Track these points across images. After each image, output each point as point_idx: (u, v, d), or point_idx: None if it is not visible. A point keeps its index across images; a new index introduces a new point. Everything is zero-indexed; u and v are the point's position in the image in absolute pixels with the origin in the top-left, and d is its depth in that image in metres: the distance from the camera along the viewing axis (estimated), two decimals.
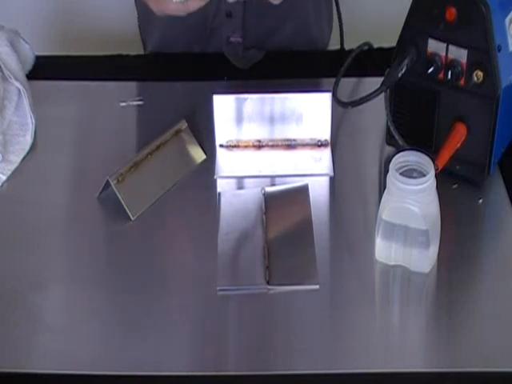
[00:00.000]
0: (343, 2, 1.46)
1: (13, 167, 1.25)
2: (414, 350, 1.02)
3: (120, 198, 1.15)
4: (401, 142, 1.19)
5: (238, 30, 1.42)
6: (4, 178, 1.23)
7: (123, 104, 1.35)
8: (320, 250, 1.11)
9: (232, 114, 1.25)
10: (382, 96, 1.17)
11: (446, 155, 1.15)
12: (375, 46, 1.41)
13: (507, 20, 1.12)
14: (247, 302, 1.06)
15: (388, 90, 1.17)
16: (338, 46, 1.46)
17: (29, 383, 0.99)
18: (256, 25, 1.43)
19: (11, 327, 1.04)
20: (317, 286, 1.07)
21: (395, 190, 1.03)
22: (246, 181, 1.23)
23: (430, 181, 1.03)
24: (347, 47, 1.42)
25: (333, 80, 1.30)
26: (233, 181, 1.23)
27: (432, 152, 1.12)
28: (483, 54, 1.10)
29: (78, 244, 1.14)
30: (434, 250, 1.07)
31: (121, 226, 1.16)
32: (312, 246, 1.11)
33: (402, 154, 1.06)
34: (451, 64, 1.13)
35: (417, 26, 1.14)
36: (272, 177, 1.23)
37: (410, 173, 1.04)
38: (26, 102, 1.30)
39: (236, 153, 1.26)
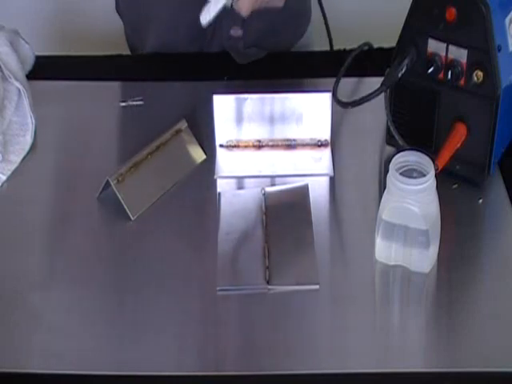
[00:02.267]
0: (343, 2, 1.46)
1: (13, 167, 1.25)
2: (414, 350, 1.02)
3: (120, 198, 1.15)
4: (401, 142, 1.19)
5: (238, 22, 1.41)
6: (4, 178, 1.23)
7: (123, 104, 1.35)
8: (320, 250, 1.11)
9: (232, 114, 1.25)
10: (382, 96, 1.17)
11: (445, 155, 1.15)
12: (375, 46, 1.41)
13: (507, 20, 1.12)
14: (247, 302, 1.06)
15: (388, 90, 1.17)
16: (337, 46, 1.46)
17: (29, 383, 0.99)
18: (256, 20, 1.43)
19: (11, 327, 1.04)
20: (317, 286, 1.07)
21: (395, 190, 1.03)
22: (246, 181, 1.23)
23: (430, 181, 1.03)
24: (347, 47, 1.42)
25: (333, 80, 1.30)
26: (233, 181, 1.23)
27: (432, 152, 1.12)
28: (483, 53, 1.10)
29: (78, 244, 1.14)
30: (434, 250, 1.07)
31: (121, 225, 1.16)
32: (312, 246, 1.11)
33: (401, 154, 1.06)
34: (451, 64, 1.13)
35: (417, 26, 1.14)
36: (272, 177, 1.23)
37: (410, 173, 1.04)
38: (26, 102, 1.30)
39: (236, 153, 1.26)
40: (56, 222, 1.17)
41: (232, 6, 1.21)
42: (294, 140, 1.27)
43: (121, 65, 1.47)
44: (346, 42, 1.44)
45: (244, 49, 1.44)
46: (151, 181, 1.20)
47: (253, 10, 1.23)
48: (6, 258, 1.12)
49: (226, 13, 1.22)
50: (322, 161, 1.25)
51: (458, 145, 1.16)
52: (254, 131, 1.26)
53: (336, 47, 1.48)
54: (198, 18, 1.22)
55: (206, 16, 1.20)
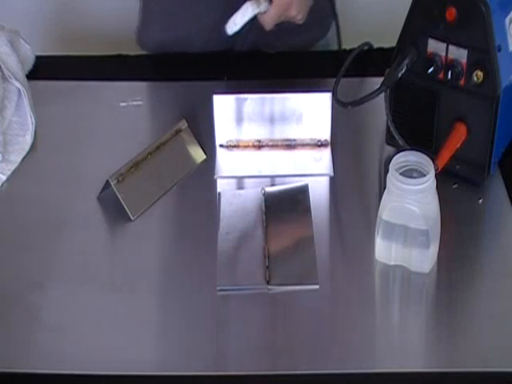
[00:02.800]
0: (343, 1, 1.46)
1: (13, 167, 1.25)
2: (414, 350, 1.02)
3: (120, 198, 1.15)
4: (401, 142, 1.19)
5: None
6: (4, 178, 1.23)
7: (123, 104, 1.35)
8: (320, 250, 1.11)
9: (232, 114, 1.25)
10: (382, 96, 1.17)
11: (445, 155, 1.15)
12: (375, 46, 1.41)
13: (507, 20, 1.12)
14: (247, 302, 1.06)
15: (388, 90, 1.17)
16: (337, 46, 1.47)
17: (28, 383, 0.99)
18: None
19: (11, 327, 1.04)
20: (317, 286, 1.07)
21: (395, 189, 1.03)
22: (246, 181, 1.23)
23: (429, 181, 1.03)
24: (347, 47, 1.42)
25: (333, 80, 1.30)
26: (233, 181, 1.23)
27: (432, 152, 1.12)
28: (483, 54, 1.10)
29: (77, 244, 1.14)
30: (434, 250, 1.07)
31: (121, 225, 1.16)
32: (312, 246, 1.11)
33: (401, 153, 1.06)
34: (451, 64, 1.13)
35: (417, 26, 1.14)
36: (272, 177, 1.23)
37: (410, 173, 1.05)
38: (26, 102, 1.30)
39: (236, 153, 1.26)
40: (56, 221, 1.17)
41: (257, 17, 1.28)
42: (294, 140, 1.27)
43: (121, 65, 1.47)
44: (345, 41, 1.44)
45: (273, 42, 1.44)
46: (151, 181, 1.20)
47: (276, 23, 1.30)
48: (6, 258, 1.12)
49: (252, 23, 1.27)
50: (321, 161, 1.25)
51: (458, 145, 1.16)
52: (253, 131, 1.26)
53: (335, 47, 1.48)
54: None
55: (232, 26, 1.26)
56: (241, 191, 1.21)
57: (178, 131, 1.26)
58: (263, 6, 1.27)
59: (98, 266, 1.11)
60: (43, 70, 1.42)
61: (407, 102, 1.19)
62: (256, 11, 1.27)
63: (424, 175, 1.03)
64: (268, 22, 1.29)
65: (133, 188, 1.17)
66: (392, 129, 1.19)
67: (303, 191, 1.20)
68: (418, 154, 1.05)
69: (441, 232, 1.07)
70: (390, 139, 1.23)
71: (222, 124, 1.25)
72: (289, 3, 1.28)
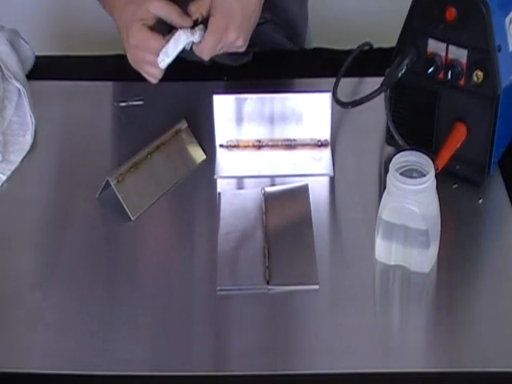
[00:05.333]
0: (343, 2, 1.46)
1: (13, 167, 1.25)
2: (414, 350, 1.02)
3: (120, 198, 1.15)
4: (401, 142, 1.19)
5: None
6: (4, 177, 1.23)
7: (123, 104, 1.35)
8: (320, 250, 1.11)
9: (232, 114, 1.25)
10: (382, 96, 1.17)
11: (445, 155, 1.15)
12: (375, 46, 1.41)
13: (507, 20, 1.12)
14: (247, 302, 1.06)
15: (388, 90, 1.17)
16: (337, 46, 1.46)
17: (29, 383, 0.99)
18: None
19: (11, 327, 1.04)
20: (317, 286, 1.07)
21: (395, 190, 1.03)
22: (246, 181, 1.23)
23: (429, 181, 1.03)
24: (347, 47, 1.42)
25: (333, 80, 1.30)
26: (233, 181, 1.23)
27: (432, 152, 1.12)
28: (483, 54, 1.10)
29: (77, 244, 1.14)
30: (434, 250, 1.07)
31: (121, 226, 1.16)
32: (312, 246, 1.11)
33: (401, 153, 1.06)
34: (451, 64, 1.13)
35: (417, 26, 1.14)
36: (272, 177, 1.23)
37: (410, 173, 1.05)
38: (25, 102, 1.30)
39: (236, 153, 1.26)
40: (56, 221, 1.17)
41: (192, 48, 1.17)
42: (294, 140, 1.27)
43: (121, 65, 1.46)
44: (346, 42, 1.44)
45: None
46: (151, 181, 1.20)
47: (214, 54, 1.18)
48: (6, 258, 1.12)
49: (187, 54, 1.18)
50: (321, 161, 1.25)
51: (458, 145, 1.16)
52: (253, 131, 1.26)
53: (336, 47, 1.48)
54: None
55: (164, 58, 1.16)
56: (241, 191, 1.21)
57: (178, 131, 1.26)
58: (198, 35, 1.14)
59: (98, 266, 1.11)
60: (43, 70, 1.42)
61: (407, 102, 1.19)
62: (189, 40, 1.14)
63: (424, 175, 1.03)
64: (206, 53, 1.16)
65: (133, 188, 1.17)
66: (392, 129, 1.19)
67: (303, 191, 1.20)
68: (418, 154, 1.05)
69: (441, 232, 1.07)
70: (389, 139, 1.23)
71: (222, 124, 1.25)
72: (224, 27, 1.14)
